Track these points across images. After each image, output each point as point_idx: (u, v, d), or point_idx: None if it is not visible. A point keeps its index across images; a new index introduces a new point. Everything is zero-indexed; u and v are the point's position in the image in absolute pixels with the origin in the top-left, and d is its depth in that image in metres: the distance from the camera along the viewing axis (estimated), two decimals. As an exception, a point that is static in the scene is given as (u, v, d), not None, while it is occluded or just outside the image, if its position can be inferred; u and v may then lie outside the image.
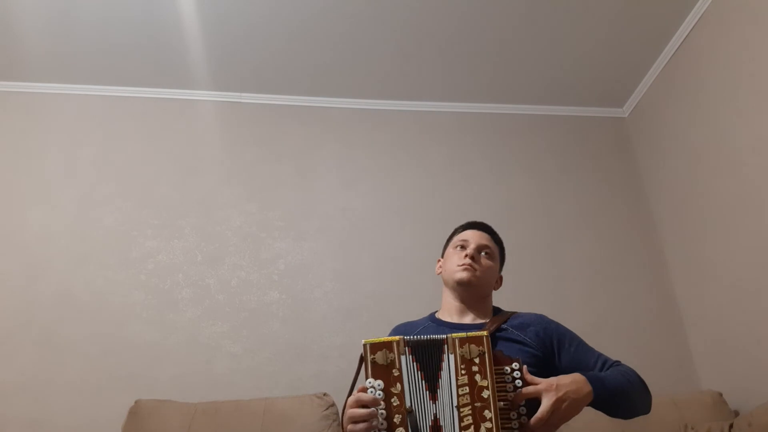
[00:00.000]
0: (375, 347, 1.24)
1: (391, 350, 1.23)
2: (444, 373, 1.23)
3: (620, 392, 1.37)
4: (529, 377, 1.27)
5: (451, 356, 1.24)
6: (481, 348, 1.23)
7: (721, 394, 2.50)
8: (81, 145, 2.94)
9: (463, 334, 1.26)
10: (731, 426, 2.19)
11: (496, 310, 1.67)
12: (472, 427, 1.17)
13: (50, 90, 3.01)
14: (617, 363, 1.50)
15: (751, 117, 2.52)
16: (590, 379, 1.31)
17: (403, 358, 1.22)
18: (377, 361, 1.23)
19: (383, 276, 2.85)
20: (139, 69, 2.97)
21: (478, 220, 1.80)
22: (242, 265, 2.80)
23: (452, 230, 1.79)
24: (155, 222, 2.82)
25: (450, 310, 1.65)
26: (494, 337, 1.48)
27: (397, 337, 1.25)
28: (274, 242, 2.87)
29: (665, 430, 2.28)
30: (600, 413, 1.38)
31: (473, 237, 1.70)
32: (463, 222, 1.81)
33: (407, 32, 2.87)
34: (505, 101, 3.36)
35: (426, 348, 1.25)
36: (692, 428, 2.25)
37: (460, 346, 1.24)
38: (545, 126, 3.38)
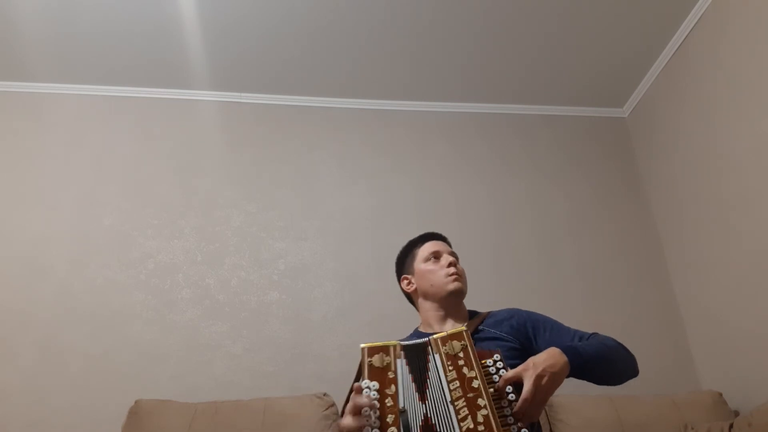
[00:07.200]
0: (372, 351, 1.30)
1: (387, 354, 1.30)
2: (432, 373, 1.27)
3: (598, 358, 1.39)
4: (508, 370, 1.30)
5: (437, 356, 1.29)
6: (462, 342, 1.29)
7: (721, 394, 2.50)
8: (81, 145, 2.93)
9: (443, 333, 1.32)
10: (731, 426, 2.19)
11: (473, 314, 1.71)
12: (470, 417, 1.19)
13: (50, 90, 3.01)
14: (594, 334, 1.53)
15: (751, 117, 2.52)
16: (564, 350, 1.34)
17: (398, 361, 1.29)
18: (374, 363, 1.29)
19: (383, 276, 2.84)
20: (139, 69, 2.97)
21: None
22: (242, 265, 2.80)
23: (406, 244, 1.83)
24: (155, 222, 2.82)
25: (431, 322, 1.69)
26: (473, 339, 1.50)
27: (393, 342, 1.32)
28: (274, 242, 2.87)
29: (665, 430, 2.27)
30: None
31: (442, 247, 1.76)
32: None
33: (407, 32, 2.87)
34: (505, 101, 3.36)
35: (414, 352, 1.31)
36: (692, 428, 2.25)
37: (443, 344, 1.29)
38: (545, 126, 3.38)
